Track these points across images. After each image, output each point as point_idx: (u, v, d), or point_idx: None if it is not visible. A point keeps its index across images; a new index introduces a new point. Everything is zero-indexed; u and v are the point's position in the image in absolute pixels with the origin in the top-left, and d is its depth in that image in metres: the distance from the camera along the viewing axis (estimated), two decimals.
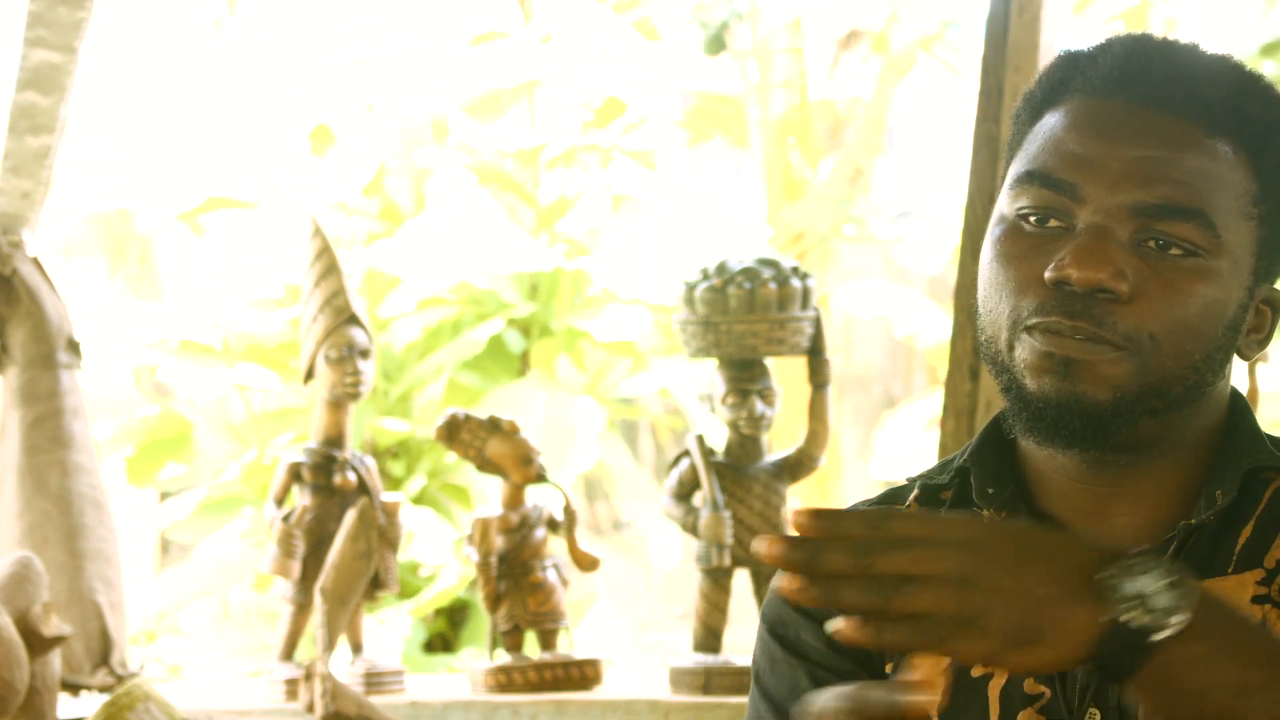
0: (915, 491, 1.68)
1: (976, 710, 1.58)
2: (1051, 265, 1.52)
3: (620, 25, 10.65)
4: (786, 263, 3.83)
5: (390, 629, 8.26)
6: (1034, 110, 1.60)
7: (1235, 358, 1.61)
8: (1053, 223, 1.54)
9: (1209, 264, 1.53)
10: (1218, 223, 1.52)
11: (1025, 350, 1.54)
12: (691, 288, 3.77)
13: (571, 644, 3.93)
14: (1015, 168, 1.58)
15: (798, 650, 1.64)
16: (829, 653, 1.63)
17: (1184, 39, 1.61)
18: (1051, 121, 1.57)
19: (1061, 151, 1.55)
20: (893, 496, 1.70)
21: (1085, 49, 1.60)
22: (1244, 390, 1.75)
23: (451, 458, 8.87)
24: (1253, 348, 1.60)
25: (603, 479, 10.21)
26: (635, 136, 10.37)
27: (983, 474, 1.63)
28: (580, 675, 3.86)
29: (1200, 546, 1.57)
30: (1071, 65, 1.59)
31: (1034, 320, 1.52)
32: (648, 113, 10.53)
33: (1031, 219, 1.55)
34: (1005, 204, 1.57)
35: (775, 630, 1.66)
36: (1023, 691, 1.57)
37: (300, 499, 3.97)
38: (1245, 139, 1.55)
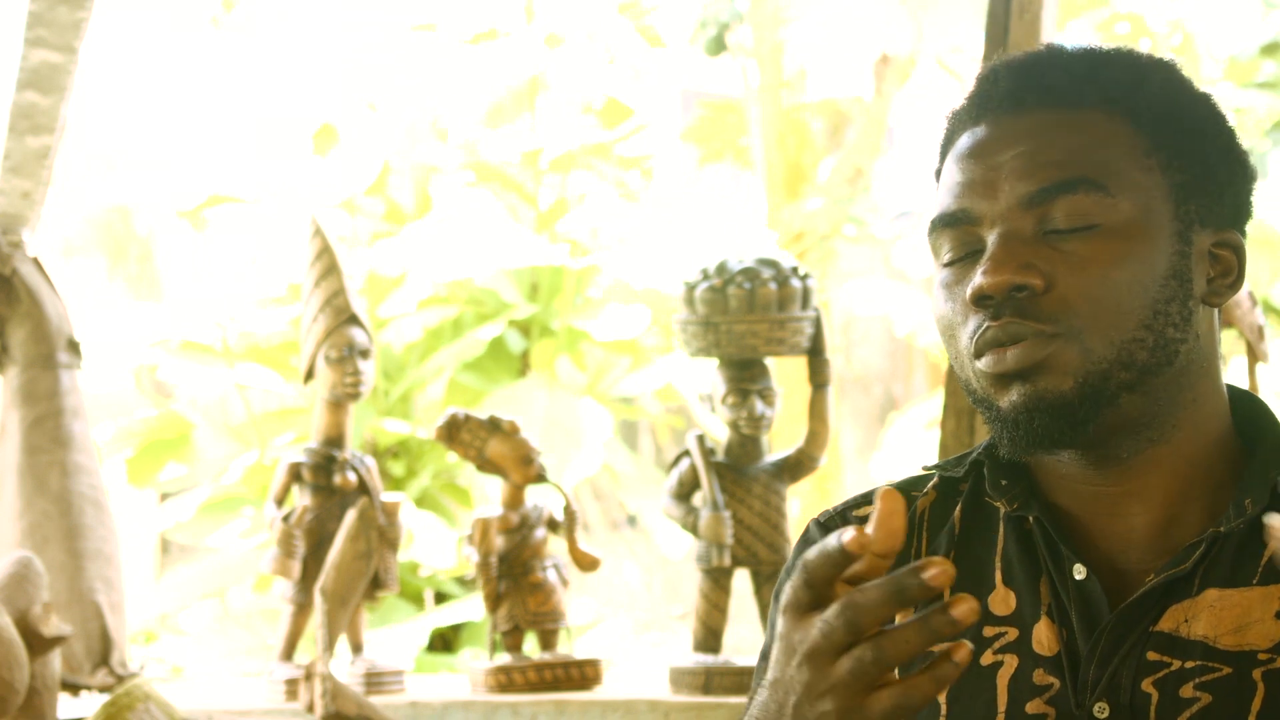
0: (934, 480, 1.73)
1: (984, 699, 1.60)
2: (969, 287, 1.58)
3: (621, 25, 10.65)
4: (786, 262, 3.82)
5: (405, 636, 8.26)
6: (938, 170, 1.69)
7: (1215, 311, 1.63)
8: (972, 252, 1.61)
9: (1114, 225, 1.57)
10: (1108, 184, 1.57)
11: (983, 377, 1.59)
12: (691, 288, 3.76)
13: (571, 644, 3.93)
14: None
15: None
16: None
17: (1055, 41, 1.71)
18: (945, 168, 1.66)
19: (951, 187, 1.63)
20: (912, 485, 1.74)
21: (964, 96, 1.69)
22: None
23: (452, 458, 8.87)
24: (1223, 293, 1.63)
25: (605, 479, 10.20)
26: (636, 139, 10.36)
27: (996, 468, 1.67)
28: (580, 675, 3.86)
29: (1225, 555, 1.58)
30: (954, 116, 1.68)
31: (973, 342, 1.59)
32: (648, 114, 10.52)
33: (951, 256, 1.62)
34: (930, 254, 1.66)
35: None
36: (1032, 682, 1.59)
37: (300, 499, 3.97)
38: (1113, 103, 1.60)
